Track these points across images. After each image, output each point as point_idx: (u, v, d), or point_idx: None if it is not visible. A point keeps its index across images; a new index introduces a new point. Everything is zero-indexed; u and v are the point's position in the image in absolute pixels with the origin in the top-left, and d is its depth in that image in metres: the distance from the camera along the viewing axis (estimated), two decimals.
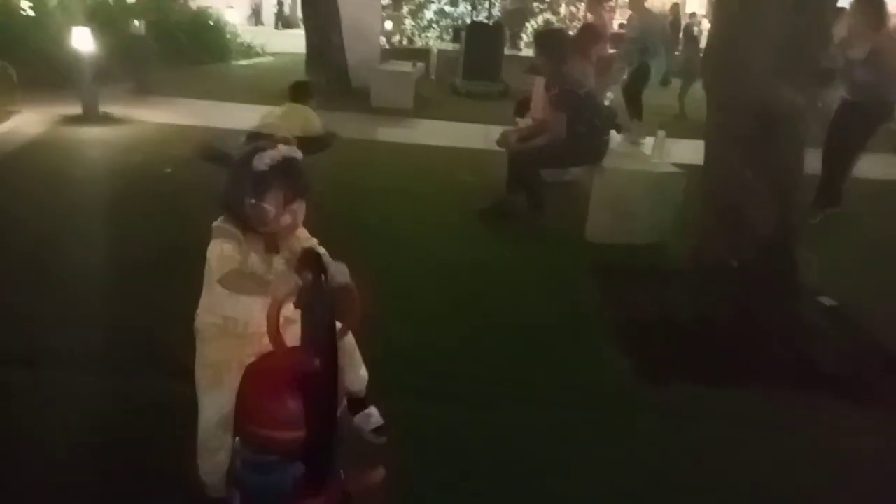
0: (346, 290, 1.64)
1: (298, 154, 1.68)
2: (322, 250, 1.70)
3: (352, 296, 1.66)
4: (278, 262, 1.70)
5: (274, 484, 1.80)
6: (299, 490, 1.71)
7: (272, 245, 1.71)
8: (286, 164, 1.62)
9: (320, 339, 1.60)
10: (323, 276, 1.55)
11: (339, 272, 1.62)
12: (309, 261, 1.58)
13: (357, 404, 1.99)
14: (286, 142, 1.69)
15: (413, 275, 3.70)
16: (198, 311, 1.78)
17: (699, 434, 2.51)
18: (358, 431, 1.96)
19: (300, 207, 1.67)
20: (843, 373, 2.95)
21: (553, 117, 4.42)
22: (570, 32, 8.11)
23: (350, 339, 1.85)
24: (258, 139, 1.88)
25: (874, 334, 3.33)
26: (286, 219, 1.64)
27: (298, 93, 4.78)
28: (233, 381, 1.68)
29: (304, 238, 1.78)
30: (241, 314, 1.69)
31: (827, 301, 3.52)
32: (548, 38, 4.84)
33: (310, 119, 4.59)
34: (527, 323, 3.28)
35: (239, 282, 1.62)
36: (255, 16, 21.70)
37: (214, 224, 1.68)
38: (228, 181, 1.67)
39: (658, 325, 3.23)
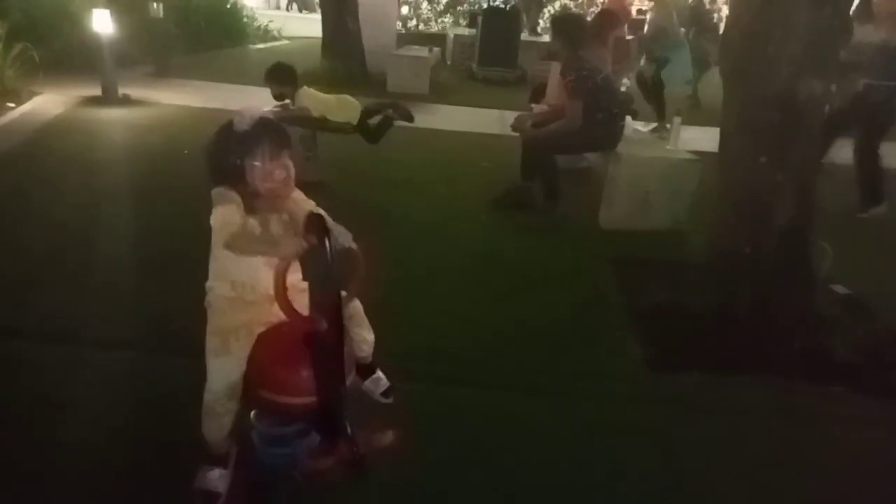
0: (350, 252, 1.70)
1: (269, 114, 1.81)
2: (322, 212, 1.75)
3: (356, 258, 1.71)
4: (276, 225, 1.76)
5: (288, 456, 1.86)
6: (312, 451, 1.77)
7: (269, 207, 1.76)
8: (264, 123, 1.70)
9: (326, 301, 1.65)
10: (327, 239, 1.60)
11: (343, 235, 1.68)
12: (313, 223, 1.63)
13: (365, 370, 2.05)
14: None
15: (427, 260, 3.73)
16: (208, 284, 1.83)
17: (714, 423, 2.52)
18: (369, 395, 2.04)
19: (289, 162, 1.73)
20: (857, 362, 2.94)
21: (569, 104, 4.40)
22: (588, 18, 8.04)
23: (358, 306, 1.90)
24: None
25: (889, 323, 3.31)
26: (279, 173, 1.70)
27: (276, 77, 4.59)
28: (241, 350, 1.73)
29: (301, 200, 1.82)
30: (247, 278, 1.73)
31: (841, 289, 3.51)
32: (564, 23, 4.81)
33: (325, 100, 4.66)
34: (542, 310, 3.30)
35: (244, 243, 1.66)
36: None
37: (213, 191, 1.72)
38: (214, 151, 1.73)
39: (672, 314, 3.24)
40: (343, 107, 4.73)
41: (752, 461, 2.32)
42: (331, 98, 4.75)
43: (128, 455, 2.06)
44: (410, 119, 4.90)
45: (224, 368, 1.72)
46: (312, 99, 4.62)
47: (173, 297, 2.92)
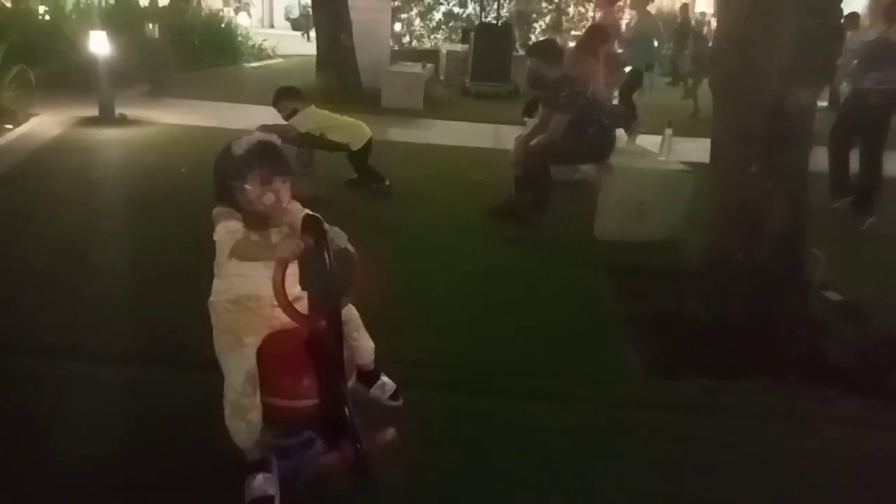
0: (346, 252, 1.77)
1: (274, 138, 1.85)
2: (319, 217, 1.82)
3: (351, 259, 1.79)
4: (276, 237, 1.81)
5: (292, 468, 1.88)
6: (316, 451, 1.79)
7: (267, 222, 1.82)
8: (262, 148, 1.77)
9: (324, 301, 1.70)
10: (324, 239, 1.66)
11: (338, 236, 1.76)
12: (310, 225, 1.70)
13: (369, 377, 2.07)
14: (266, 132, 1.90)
15: (425, 271, 3.76)
16: (210, 300, 1.88)
17: (711, 429, 2.54)
18: (378, 401, 2.06)
19: (283, 187, 1.79)
20: (853, 366, 2.98)
21: (556, 118, 4.47)
22: (578, 34, 8.17)
23: (354, 313, 1.95)
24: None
25: (883, 327, 3.35)
26: (269, 197, 1.76)
27: (281, 99, 4.83)
28: (252, 343, 1.77)
29: (299, 210, 1.88)
30: (252, 290, 1.79)
31: (833, 296, 3.55)
32: (540, 51, 4.90)
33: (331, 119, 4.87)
34: (538, 319, 3.33)
35: (248, 249, 1.75)
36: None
37: (214, 211, 1.80)
38: (215, 171, 1.81)
39: (668, 321, 3.27)
40: (348, 130, 4.94)
41: (750, 465, 2.34)
42: (337, 118, 4.97)
43: (135, 469, 2.07)
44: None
45: (241, 359, 1.75)
46: (314, 118, 4.82)
47: (173, 311, 2.96)
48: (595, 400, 2.66)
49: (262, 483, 1.79)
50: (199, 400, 2.09)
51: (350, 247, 1.79)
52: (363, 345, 2.02)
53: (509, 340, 3.08)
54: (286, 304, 1.65)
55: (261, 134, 1.85)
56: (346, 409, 1.75)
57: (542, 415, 2.54)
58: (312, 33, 13.30)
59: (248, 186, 1.74)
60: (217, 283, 1.86)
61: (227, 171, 1.76)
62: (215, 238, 1.76)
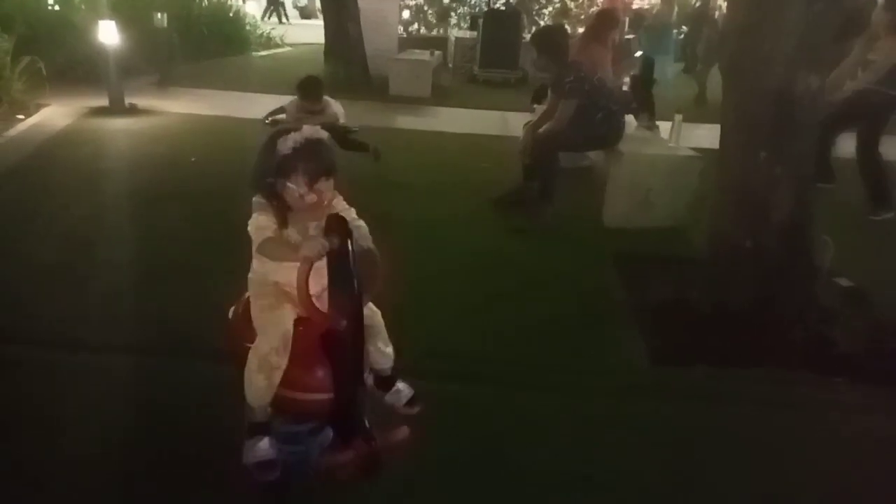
0: (370, 253, 1.76)
1: (323, 135, 1.77)
2: (352, 214, 1.82)
3: (374, 259, 1.77)
4: (314, 231, 1.77)
5: (302, 454, 1.90)
6: (328, 448, 1.81)
7: (307, 216, 1.78)
8: (309, 146, 1.71)
9: (346, 300, 1.70)
10: (349, 240, 1.65)
11: (363, 236, 1.75)
12: (335, 225, 1.68)
13: (385, 383, 2.05)
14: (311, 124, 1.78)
15: (432, 260, 3.76)
16: (250, 274, 1.87)
17: (717, 417, 2.54)
18: (393, 408, 2.01)
19: (326, 186, 1.75)
20: (860, 353, 2.97)
21: (562, 104, 4.45)
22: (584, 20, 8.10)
23: (377, 316, 1.92)
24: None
25: (893, 314, 3.34)
26: (311, 197, 1.73)
27: (308, 89, 4.78)
28: (290, 311, 1.75)
29: (342, 209, 1.85)
30: (284, 279, 1.77)
31: (844, 282, 3.54)
32: (545, 38, 4.87)
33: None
34: (545, 307, 3.34)
35: (274, 249, 1.73)
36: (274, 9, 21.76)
37: (254, 199, 1.77)
38: (256, 163, 1.77)
39: (675, 309, 3.27)
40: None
41: (757, 452, 2.35)
42: None
43: (141, 459, 2.11)
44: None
45: (280, 319, 1.74)
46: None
47: (184, 302, 3.00)
48: (602, 389, 2.67)
49: (267, 447, 1.78)
50: (207, 391, 2.13)
51: (374, 247, 1.77)
52: (382, 350, 1.98)
53: (514, 329, 3.09)
54: (308, 304, 1.65)
55: (309, 129, 1.74)
56: (361, 408, 1.77)
57: (547, 404, 2.55)
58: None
59: (290, 185, 1.71)
60: (255, 263, 1.85)
61: (269, 167, 1.72)
62: (248, 229, 1.74)
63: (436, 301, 3.27)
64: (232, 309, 1.94)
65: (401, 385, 2.05)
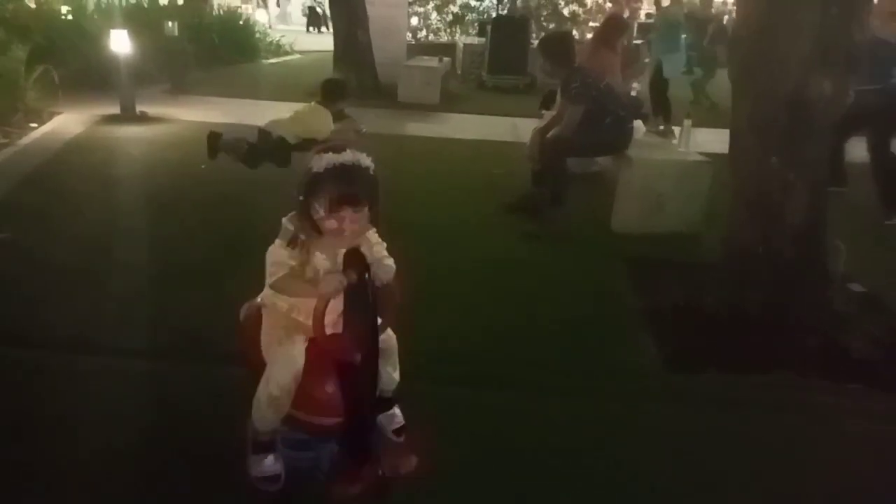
0: (388, 288, 1.72)
1: (365, 162, 1.68)
2: (383, 251, 1.79)
3: (392, 294, 1.74)
4: (340, 259, 1.73)
5: (310, 460, 1.90)
6: (338, 475, 1.80)
7: (340, 243, 1.72)
8: (340, 171, 1.63)
9: (362, 335, 1.68)
10: (367, 275, 1.62)
11: (383, 269, 1.70)
12: (353, 260, 1.65)
13: (383, 403, 2.01)
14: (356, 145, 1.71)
15: (442, 265, 3.76)
16: (262, 295, 1.85)
17: (729, 422, 2.52)
18: (381, 429, 1.96)
19: (351, 216, 1.66)
20: (874, 359, 2.94)
21: (569, 110, 4.45)
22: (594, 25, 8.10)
23: (392, 340, 1.88)
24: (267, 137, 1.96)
25: None
26: (331, 223, 1.66)
27: (329, 90, 4.84)
28: (301, 340, 1.72)
29: (374, 242, 1.81)
30: (301, 307, 1.75)
31: (857, 287, 3.51)
32: (551, 45, 4.88)
33: (321, 121, 4.71)
34: (557, 312, 3.33)
35: (288, 285, 1.69)
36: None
37: (283, 220, 1.73)
38: (299, 177, 1.72)
39: (687, 313, 3.25)
40: (313, 117, 4.77)
41: (769, 457, 2.33)
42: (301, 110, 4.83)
43: (153, 462, 2.12)
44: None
45: (291, 355, 1.71)
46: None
47: (195, 307, 3.01)
48: (613, 393, 2.66)
49: (272, 462, 1.81)
50: (218, 394, 2.14)
51: (392, 282, 1.72)
52: (389, 373, 1.94)
53: (526, 334, 3.09)
54: (323, 337, 1.63)
55: (351, 154, 1.65)
56: (371, 436, 1.77)
57: (559, 408, 2.54)
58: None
59: (316, 205, 1.66)
60: (268, 290, 1.81)
61: (302, 184, 1.67)
62: (266, 256, 1.70)
63: (448, 305, 3.27)
64: (244, 307, 1.93)
65: (396, 411, 2.01)
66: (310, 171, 1.66)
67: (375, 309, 1.67)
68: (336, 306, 1.71)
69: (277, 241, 1.72)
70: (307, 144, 4.46)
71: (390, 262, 1.79)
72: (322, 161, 1.65)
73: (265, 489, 1.80)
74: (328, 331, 1.65)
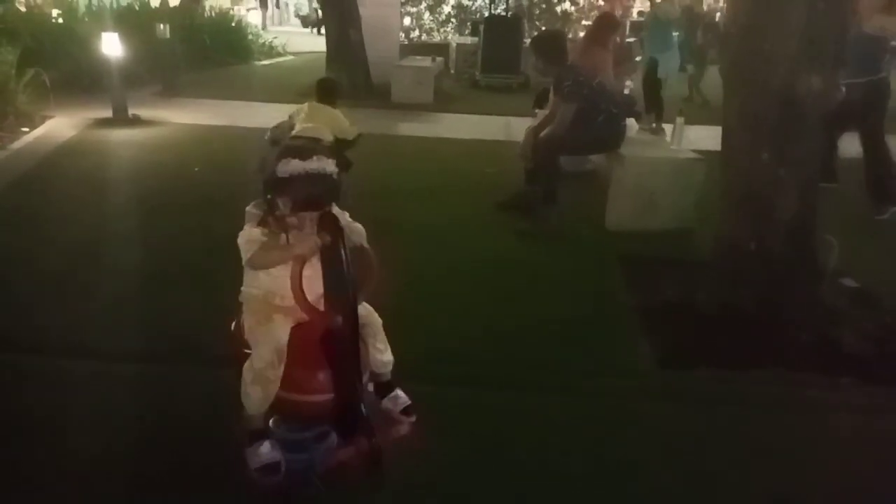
0: (363, 250, 1.79)
1: (329, 169, 1.73)
2: (346, 217, 1.83)
3: (368, 256, 1.80)
4: (311, 224, 1.78)
5: (306, 461, 1.90)
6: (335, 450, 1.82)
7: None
8: (305, 178, 1.69)
9: (341, 297, 1.72)
10: (340, 237, 1.68)
11: (356, 233, 1.78)
12: (327, 223, 1.71)
13: (384, 388, 2.05)
14: (323, 152, 1.76)
15: (437, 264, 3.77)
16: (242, 288, 1.89)
17: (723, 419, 2.53)
18: (388, 414, 1.99)
19: (312, 216, 1.74)
20: (867, 354, 2.95)
21: (561, 108, 4.46)
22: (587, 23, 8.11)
23: (374, 315, 1.93)
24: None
25: None
26: (293, 220, 1.74)
27: (324, 90, 4.83)
28: (282, 320, 1.77)
29: (336, 212, 1.84)
30: (278, 289, 1.79)
31: (850, 283, 3.52)
32: (544, 44, 4.89)
33: (335, 118, 4.71)
34: (550, 310, 3.33)
35: (264, 256, 1.75)
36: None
37: (247, 208, 1.79)
38: (261, 169, 1.79)
39: (680, 310, 3.26)
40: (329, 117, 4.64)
41: (763, 453, 2.33)
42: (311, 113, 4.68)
43: (146, 466, 2.11)
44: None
45: (271, 334, 1.75)
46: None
47: (187, 310, 3.01)
48: (607, 391, 2.66)
49: (269, 449, 1.81)
50: (210, 398, 2.13)
51: (367, 244, 1.79)
52: (380, 352, 1.96)
53: (520, 333, 3.09)
54: (302, 300, 1.68)
55: (317, 163, 1.70)
56: (361, 405, 1.77)
57: (553, 406, 2.54)
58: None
59: (280, 203, 1.73)
60: (246, 275, 1.87)
61: (267, 182, 1.74)
62: (238, 241, 1.76)
63: (441, 304, 3.28)
64: (233, 324, 1.95)
65: (399, 392, 2.03)
66: (274, 174, 1.71)
67: (351, 269, 1.71)
68: (315, 286, 1.74)
69: (246, 226, 1.77)
70: (344, 145, 4.45)
71: (359, 226, 1.86)
72: (288, 167, 1.70)
73: (266, 481, 1.78)
74: (309, 297, 1.70)
